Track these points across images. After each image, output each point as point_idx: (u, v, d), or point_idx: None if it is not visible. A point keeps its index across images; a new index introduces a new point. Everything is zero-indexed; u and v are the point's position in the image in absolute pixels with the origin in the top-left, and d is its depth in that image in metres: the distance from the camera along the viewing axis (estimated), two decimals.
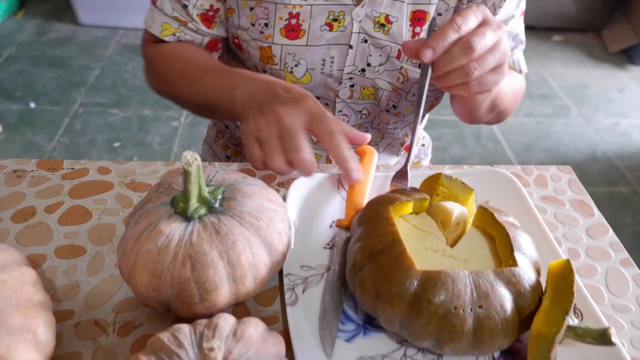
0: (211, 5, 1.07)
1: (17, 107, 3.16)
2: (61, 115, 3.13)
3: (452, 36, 0.79)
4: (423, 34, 1.06)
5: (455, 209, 0.78)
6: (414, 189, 0.85)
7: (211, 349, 0.49)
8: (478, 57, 0.80)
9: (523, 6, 1.10)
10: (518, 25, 1.13)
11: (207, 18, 1.08)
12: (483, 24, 0.81)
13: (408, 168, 0.91)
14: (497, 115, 1.17)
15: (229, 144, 1.39)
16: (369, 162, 0.91)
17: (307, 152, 0.83)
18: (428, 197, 0.81)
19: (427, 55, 0.80)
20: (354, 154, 0.85)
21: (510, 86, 1.13)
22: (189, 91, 1.06)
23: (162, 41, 1.11)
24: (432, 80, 0.87)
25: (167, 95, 1.15)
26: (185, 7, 1.06)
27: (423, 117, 1.32)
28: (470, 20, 0.80)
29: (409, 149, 0.91)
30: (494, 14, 1.05)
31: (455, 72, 0.82)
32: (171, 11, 1.07)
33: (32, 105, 3.18)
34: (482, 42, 0.79)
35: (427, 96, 1.14)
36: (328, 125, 0.84)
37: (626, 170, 3.07)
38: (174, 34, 1.09)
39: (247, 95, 0.91)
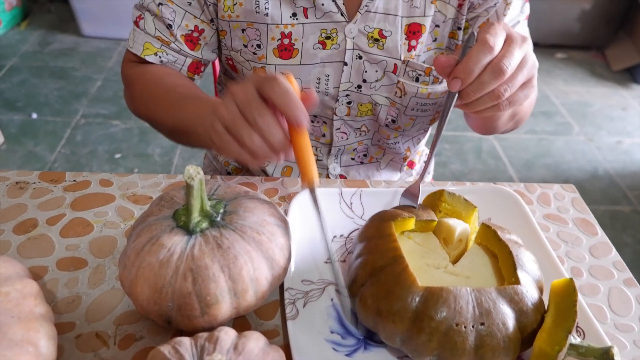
0: (196, 26, 1.06)
1: (19, 118, 3.16)
2: (63, 126, 3.13)
3: (485, 60, 0.76)
4: (420, 47, 1.06)
5: (457, 225, 0.78)
6: (423, 208, 0.85)
7: None
8: (508, 78, 0.78)
9: (527, 10, 1.09)
10: (524, 30, 1.11)
11: (192, 39, 1.08)
12: (508, 41, 0.78)
13: (420, 186, 0.89)
14: (515, 123, 1.15)
15: (230, 160, 1.39)
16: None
17: (269, 115, 0.74)
18: (436, 219, 0.81)
19: (456, 87, 0.79)
20: (298, 99, 0.75)
21: None
22: (165, 116, 1.03)
23: (144, 61, 1.10)
24: (459, 107, 0.84)
25: (144, 118, 1.13)
26: (169, 27, 1.05)
27: (427, 131, 1.32)
28: (500, 39, 0.77)
29: (424, 166, 0.90)
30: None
31: (485, 97, 0.79)
32: (154, 31, 1.06)
33: (34, 115, 3.18)
34: (512, 63, 0.77)
35: (427, 110, 1.14)
36: (274, 78, 0.74)
37: (628, 189, 3.07)
38: (155, 54, 1.08)
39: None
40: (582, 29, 4.43)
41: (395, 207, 0.85)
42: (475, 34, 0.79)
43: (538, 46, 4.42)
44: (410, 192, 0.90)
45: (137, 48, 1.08)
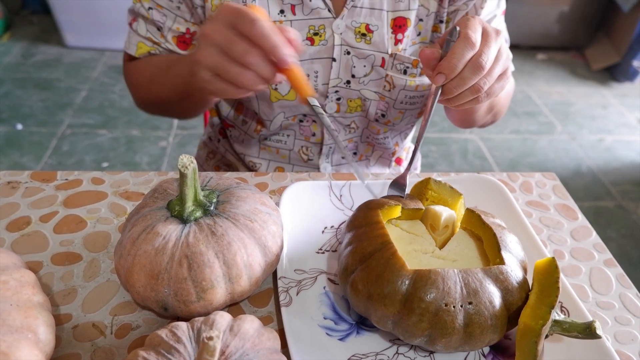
0: (187, 29, 1.09)
1: (4, 129, 3.15)
2: (48, 137, 3.12)
3: (468, 56, 0.79)
4: (406, 40, 1.07)
5: (443, 212, 0.80)
6: (410, 197, 0.86)
7: (210, 338, 0.50)
8: (487, 73, 0.81)
9: (503, 5, 1.11)
10: (500, 24, 1.14)
11: (184, 41, 1.10)
12: (484, 35, 0.81)
13: (408, 176, 0.90)
14: (493, 115, 1.17)
15: (221, 165, 1.40)
16: None
17: (254, 50, 0.74)
18: (423, 207, 0.83)
19: (440, 82, 0.81)
20: (281, 38, 0.75)
21: None
22: (163, 90, 1.05)
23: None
24: (440, 102, 0.86)
25: (151, 108, 1.18)
26: (159, 29, 1.08)
27: (414, 125, 1.33)
28: (479, 34, 0.80)
29: (411, 157, 0.91)
30: (476, 15, 1.06)
31: (465, 91, 0.82)
32: (145, 32, 1.09)
33: (19, 127, 3.17)
34: (490, 58, 0.80)
35: (416, 103, 1.16)
36: (249, 15, 0.74)
37: (611, 185, 3.10)
38: (148, 52, 1.11)
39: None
40: (561, 31, 4.48)
41: (383, 197, 0.86)
42: (458, 28, 0.81)
43: (519, 48, 4.48)
44: (398, 182, 0.91)
45: (132, 48, 1.12)
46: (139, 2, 1.07)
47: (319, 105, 0.81)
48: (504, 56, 0.83)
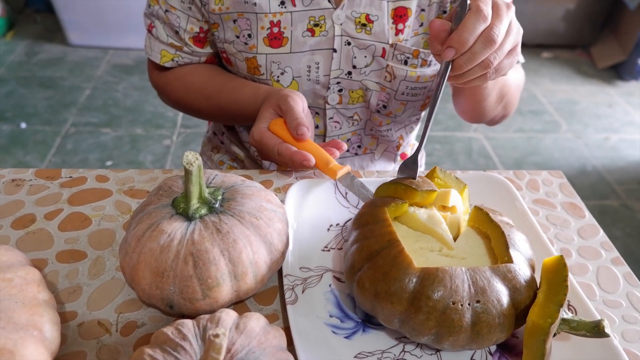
0: (201, 28, 1.12)
1: (8, 128, 3.16)
2: (52, 135, 3.13)
3: (480, 29, 0.78)
4: (407, 31, 1.07)
5: (450, 189, 0.79)
6: (422, 179, 0.84)
7: (216, 336, 0.50)
8: (498, 47, 0.79)
9: None
10: None
11: (200, 40, 1.14)
12: (495, 8, 0.80)
13: (419, 155, 0.88)
14: (504, 107, 1.16)
15: (225, 160, 1.39)
16: None
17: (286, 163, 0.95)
18: (436, 188, 0.81)
19: (449, 56, 0.80)
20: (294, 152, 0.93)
21: (512, 75, 1.13)
22: (220, 109, 1.18)
23: (164, 67, 1.19)
24: (449, 80, 0.85)
25: (179, 109, 1.28)
26: (177, 33, 1.11)
27: (418, 119, 1.33)
28: (490, 7, 0.79)
29: (423, 133, 0.88)
30: None
31: (475, 67, 0.81)
32: (166, 38, 1.13)
33: (23, 125, 3.18)
34: (502, 31, 0.78)
35: (417, 94, 1.16)
36: (269, 149, 0.96)
37: (616, 184, 3.10)
38: (172, 59, 1.16)
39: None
40: (567, 29, 4.47)
41: (395, 179, 0.85)
42: (468, 0, 0.80)
43: (524, 46, 4.46)
44: (410, 162, 0.88)
45: (156, 56, 1.16)
46: (156, 4, 1.10)
47: (347, 175, 0.95)
48: (515, 31, 0.82)
